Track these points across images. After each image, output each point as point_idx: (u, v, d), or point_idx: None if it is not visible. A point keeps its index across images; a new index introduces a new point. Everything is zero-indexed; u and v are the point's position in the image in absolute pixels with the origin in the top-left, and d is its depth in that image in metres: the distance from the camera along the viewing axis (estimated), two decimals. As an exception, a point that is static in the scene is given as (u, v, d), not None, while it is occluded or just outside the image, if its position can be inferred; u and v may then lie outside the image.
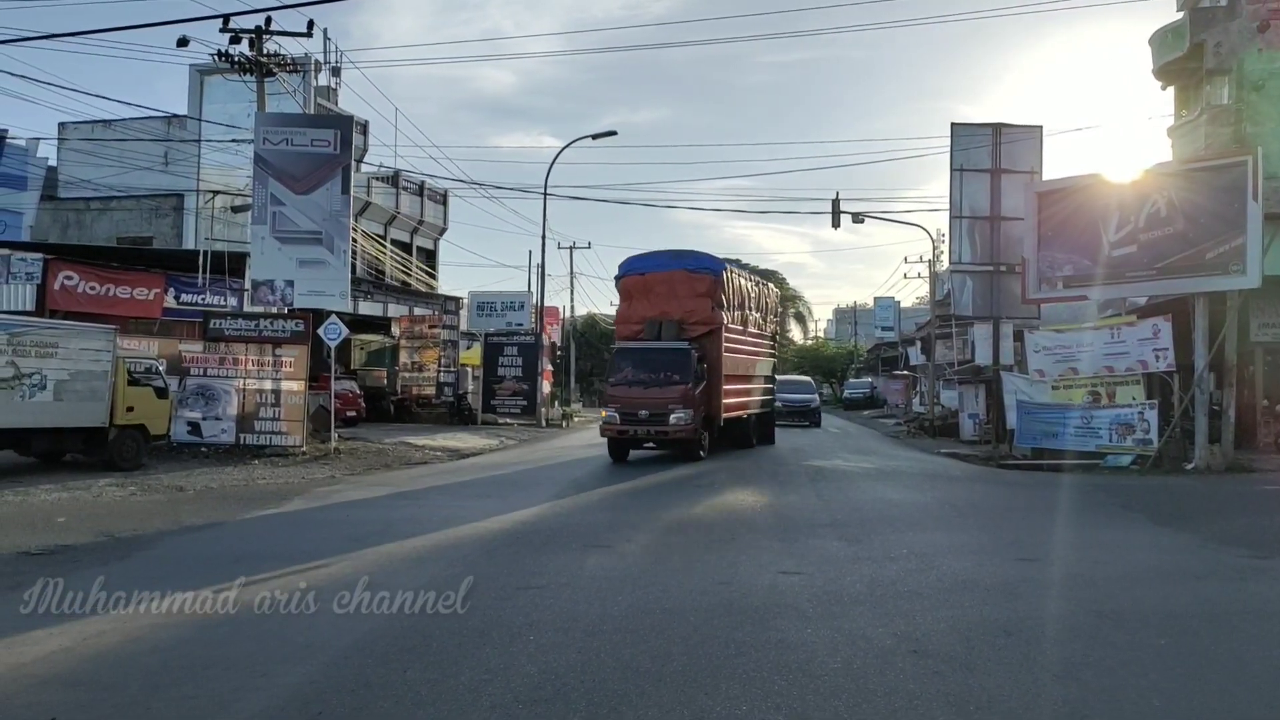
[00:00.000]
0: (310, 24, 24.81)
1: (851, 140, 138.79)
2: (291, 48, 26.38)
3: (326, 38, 33.25)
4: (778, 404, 32.66)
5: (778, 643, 7.14)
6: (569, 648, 6.95)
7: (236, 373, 21.88)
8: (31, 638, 7.12)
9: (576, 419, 42.64)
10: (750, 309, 25.84)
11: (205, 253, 27.16)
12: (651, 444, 22.19)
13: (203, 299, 27.05)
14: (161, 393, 20.08)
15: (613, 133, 36.48)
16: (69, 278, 24.50)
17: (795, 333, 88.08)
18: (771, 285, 30.38)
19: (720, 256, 25.55)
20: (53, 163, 38.47)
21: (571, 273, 60.68)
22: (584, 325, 66.66)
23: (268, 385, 21.99)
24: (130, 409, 19.09)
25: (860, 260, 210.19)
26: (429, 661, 6.65)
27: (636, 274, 23.54)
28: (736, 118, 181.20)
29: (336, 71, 36.69)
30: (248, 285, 25.17)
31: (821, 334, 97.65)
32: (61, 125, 37.79)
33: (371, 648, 6.98)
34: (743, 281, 25.44)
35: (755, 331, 26.34)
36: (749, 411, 25.94)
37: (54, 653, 6.77)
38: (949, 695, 6.05)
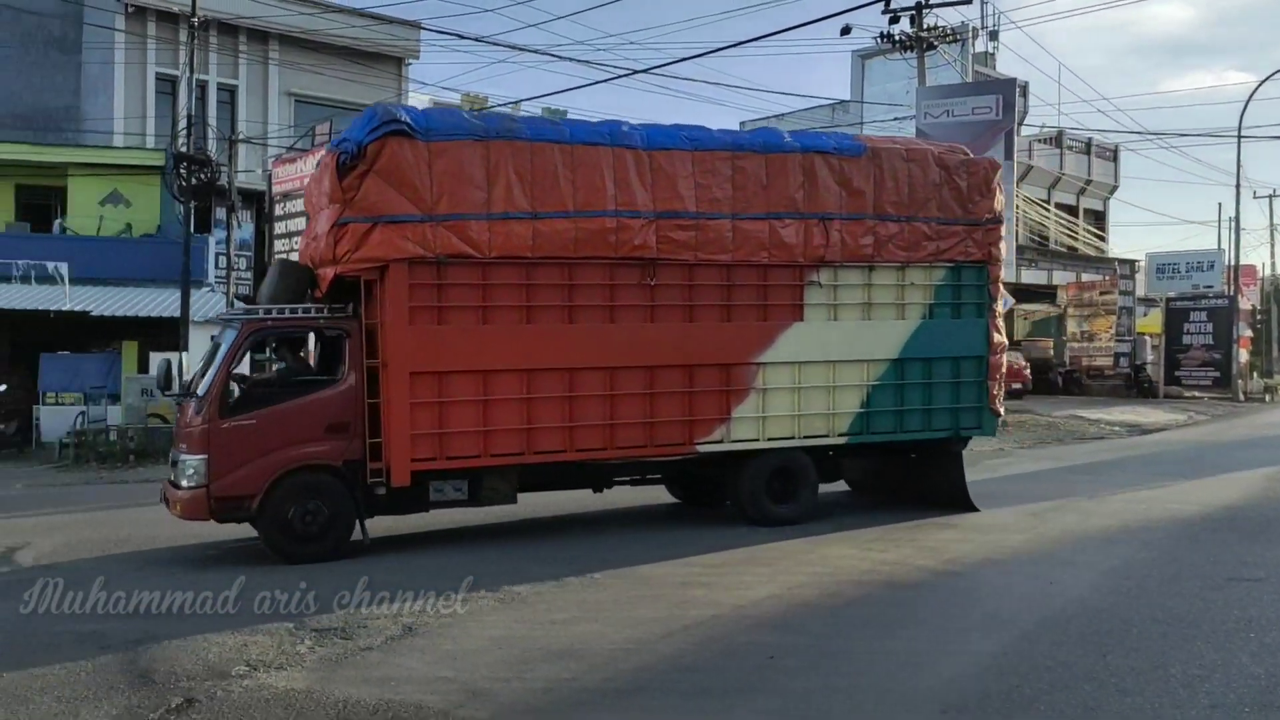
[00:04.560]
0: (970, -10, 24.54)
1: None
2: (949, 18, 26.41)
3: (984, 2, 32.62)
4: None
5: None
6: (1304, 652, 5.99)
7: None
8: (743, 582, 7.95)
9: (1281, 393, 37.25)
10: (717, 201, 10.02)
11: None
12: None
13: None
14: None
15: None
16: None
17: None
18: (934, 151, 11.29)
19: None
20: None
21: (1271, 225, 52.78)
22: (1288, 282, 57.72)
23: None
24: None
25: None
26: (1130, 648, 6.17)
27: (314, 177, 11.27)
28: None
29: (994, 35, 35.90)
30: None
31: None
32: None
33: (1064, 627, 6.68)
34: (601, 154, 9.70)
35: (758, 256, 10.17)
36: (734, 441, 10.16)
37: (764, 599, 7.49)
38: None
